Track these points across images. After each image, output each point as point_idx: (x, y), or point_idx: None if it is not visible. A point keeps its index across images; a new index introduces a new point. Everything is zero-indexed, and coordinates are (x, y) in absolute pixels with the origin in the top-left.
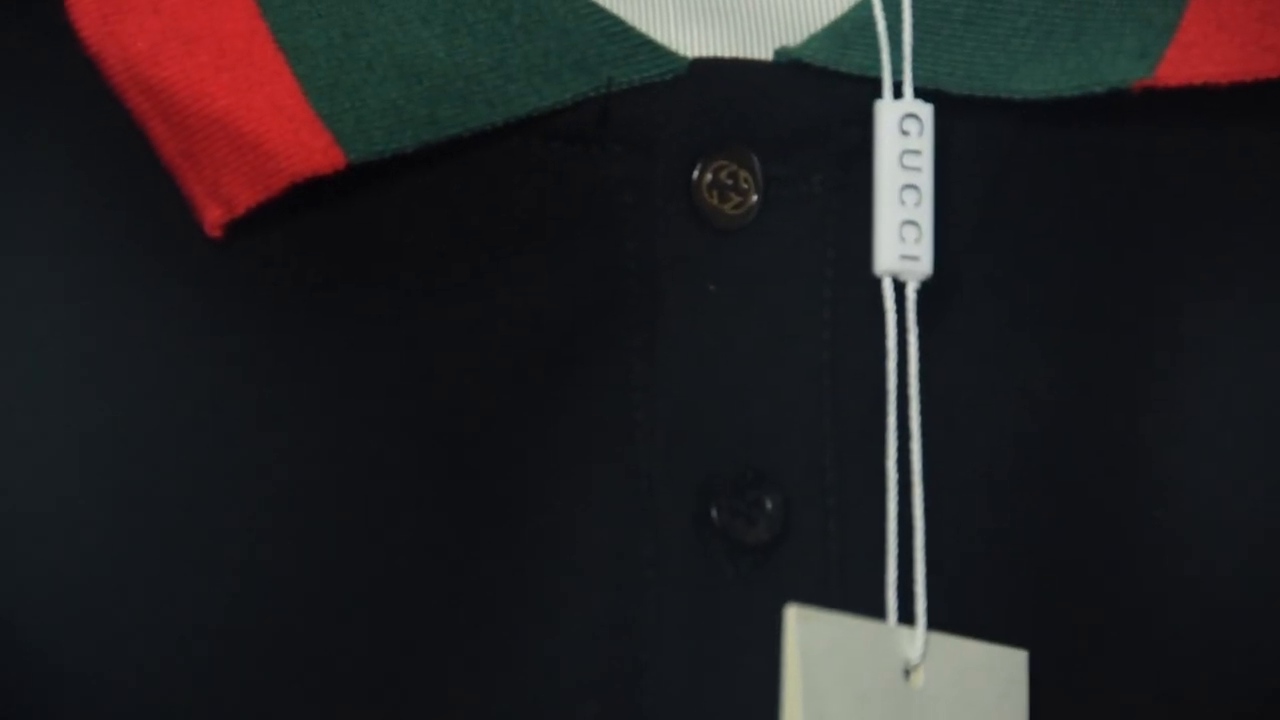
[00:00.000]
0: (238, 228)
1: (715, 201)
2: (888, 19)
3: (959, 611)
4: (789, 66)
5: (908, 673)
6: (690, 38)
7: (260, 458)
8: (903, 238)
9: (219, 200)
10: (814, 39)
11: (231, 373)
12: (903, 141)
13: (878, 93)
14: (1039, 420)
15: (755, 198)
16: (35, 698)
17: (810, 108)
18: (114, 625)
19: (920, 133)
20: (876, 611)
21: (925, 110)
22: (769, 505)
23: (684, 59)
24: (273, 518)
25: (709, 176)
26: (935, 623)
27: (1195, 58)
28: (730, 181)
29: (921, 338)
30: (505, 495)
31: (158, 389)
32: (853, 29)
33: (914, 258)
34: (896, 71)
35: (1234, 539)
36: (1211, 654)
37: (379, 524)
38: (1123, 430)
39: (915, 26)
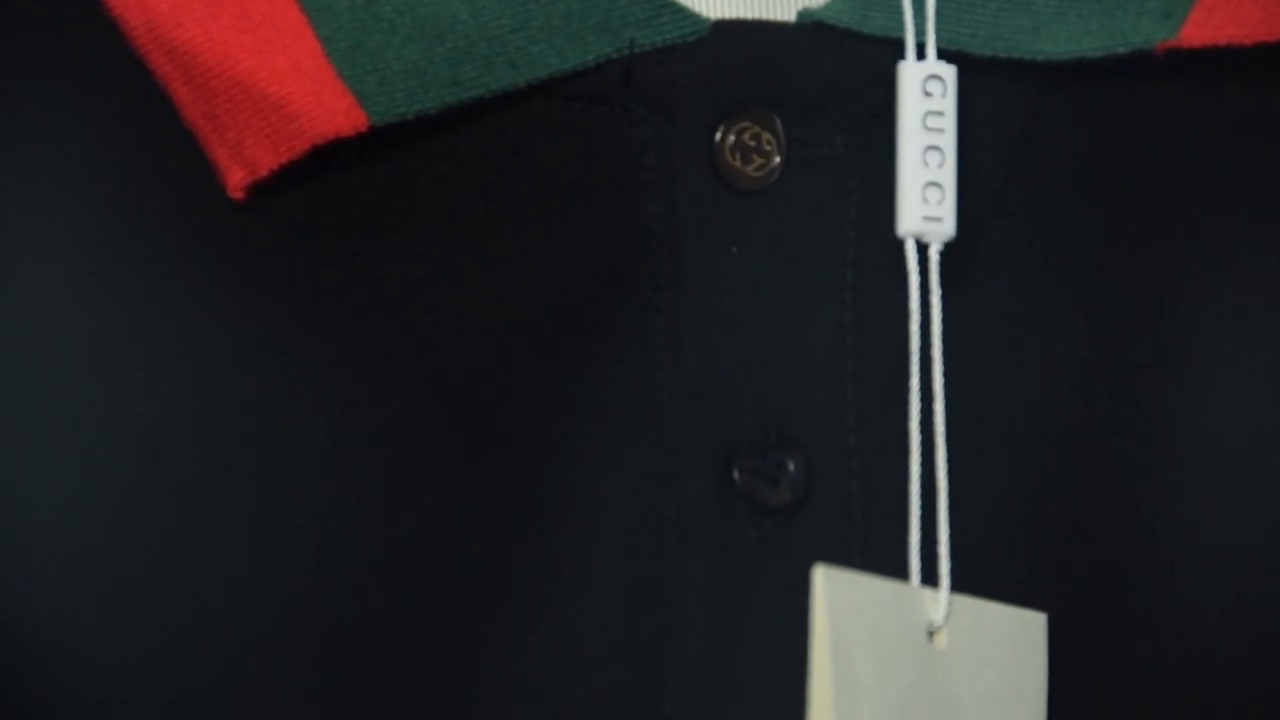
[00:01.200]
0: (261, 190)
1: (738, 163)
2: None
3: (981, 573)
4: (812, 28)
5: (931, 634)
6: (712, 0)
7: (282, 421)
8: (925, 199)
9: (242, 162)
10: (837, 0)
11: (252, 336)
12: (926, 103)
13: (900, 54)
14: (1062, 382)
15: (778, 159)
16: (62, 680)
17: (833, 69)
18: (134, 591)
19: (943, 94)
20: (899, 573)
21: (948, 71)
22: (791, 467)
23: (706, 20)
24: (295, 483)
25: (731, 138)
26: (958, 584)
27: (1219, 19)
28: (753, 143)
29: (944, 299)
30: (527, 457)
31: (178, 354)
32: None
33: (937, 219)
34: (919, 33)
35: (1260, 501)
36: (1236, 615)
37: (402, 486)
38: (1147, 392)
39: None
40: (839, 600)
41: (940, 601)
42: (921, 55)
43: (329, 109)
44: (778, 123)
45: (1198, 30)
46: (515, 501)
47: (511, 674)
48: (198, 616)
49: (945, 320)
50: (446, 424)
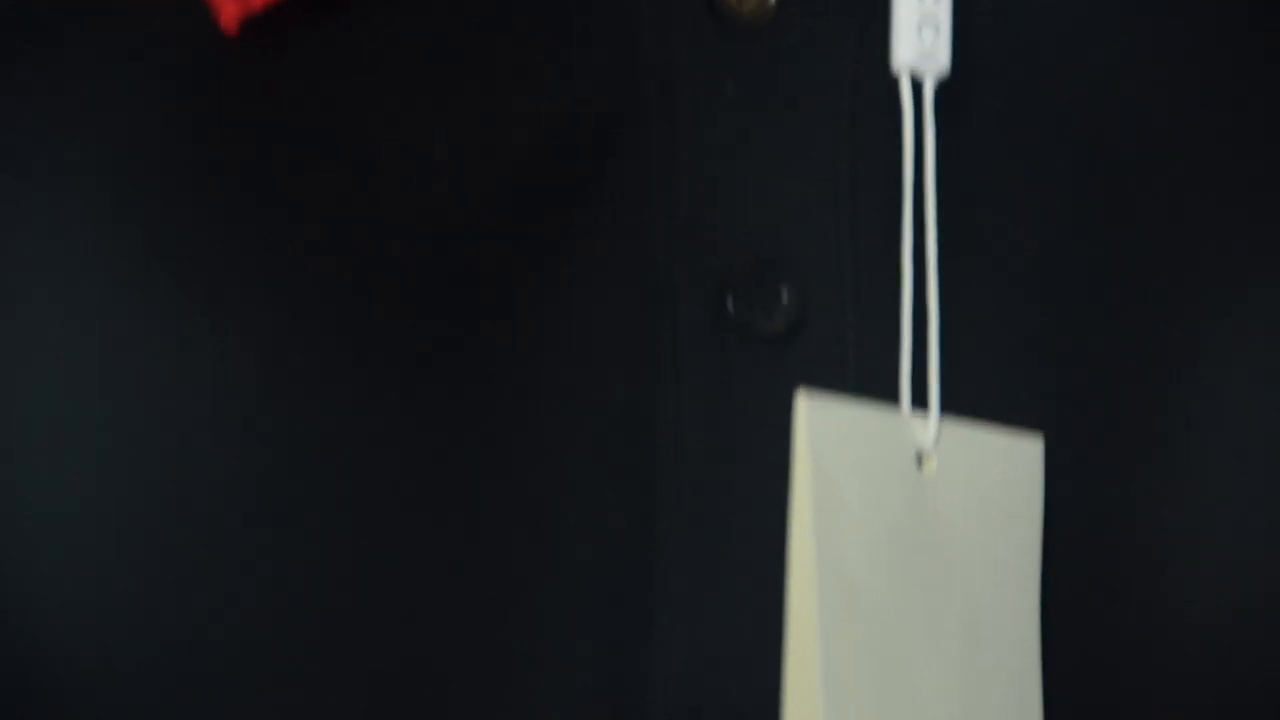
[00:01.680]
0: (253, 27)
1: (733, 0)
2: None
3: (974, 401)
4: None
5: (920, 460)
6: None
7: (266, 255)
8: (921, 35)
9: None
10: None
11: (233, 179)
12: None
13: None
14: (1057, 214)
15: None
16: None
17: None
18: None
19: None
20: (893, 402)
21: None
22: (785, 296)
23: None
24: (271, 337)
25: None
26: (950, 411)
27: None
28: None
29: (939, 135)
30: (521, 290)
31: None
32: None
33: (932, 55)
34: None
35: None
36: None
37: (395, 314)
38: (1140, 221)
39: None
40: (823, 427)
41: (930, 426)
42: None
43: None
44: None
45: None
46: (508, 330)
47: (505, 506)
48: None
49: (939, 155)
50: (439, 254)
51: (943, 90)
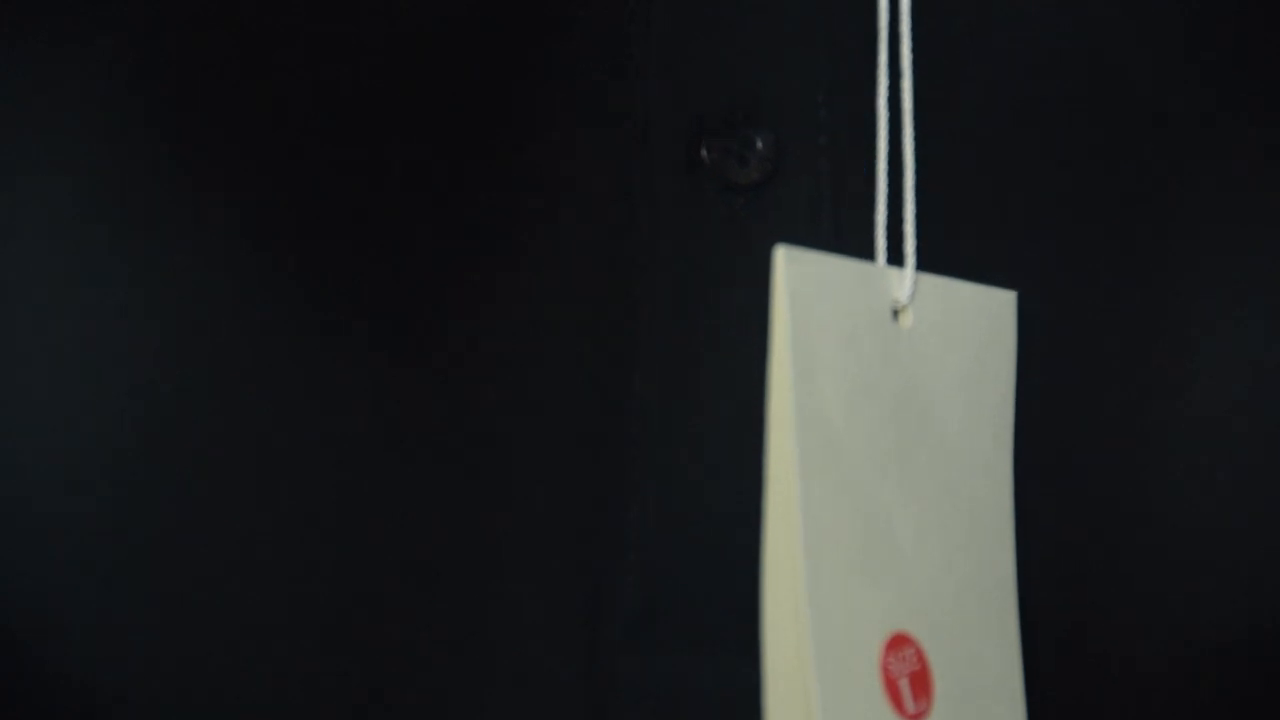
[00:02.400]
0: None
1: None
2: None
3: (950, 253)
4: None
5: (896, 313)
6: None
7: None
8: None
9: None
10: None
11: None
12: None
13: None
14: (1036, 60)
15: None
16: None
17: None
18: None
19: None
20: (867, 253)
21: None
22: (760, 145)
23: None
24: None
25: None
26: (926, 266)
27: None
28: None
29: None
30: (494, 131)
31: None
32: None
33: None
34: None
35: None
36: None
37: (376, 148)
38: (1125, 76)
39: None
40: (800, 280)
41: (906, 279)
42: None
43: None
44: None
45: None
46: (481, 173)
47: (478, 343)
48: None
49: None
50: (414, 92)
51: None
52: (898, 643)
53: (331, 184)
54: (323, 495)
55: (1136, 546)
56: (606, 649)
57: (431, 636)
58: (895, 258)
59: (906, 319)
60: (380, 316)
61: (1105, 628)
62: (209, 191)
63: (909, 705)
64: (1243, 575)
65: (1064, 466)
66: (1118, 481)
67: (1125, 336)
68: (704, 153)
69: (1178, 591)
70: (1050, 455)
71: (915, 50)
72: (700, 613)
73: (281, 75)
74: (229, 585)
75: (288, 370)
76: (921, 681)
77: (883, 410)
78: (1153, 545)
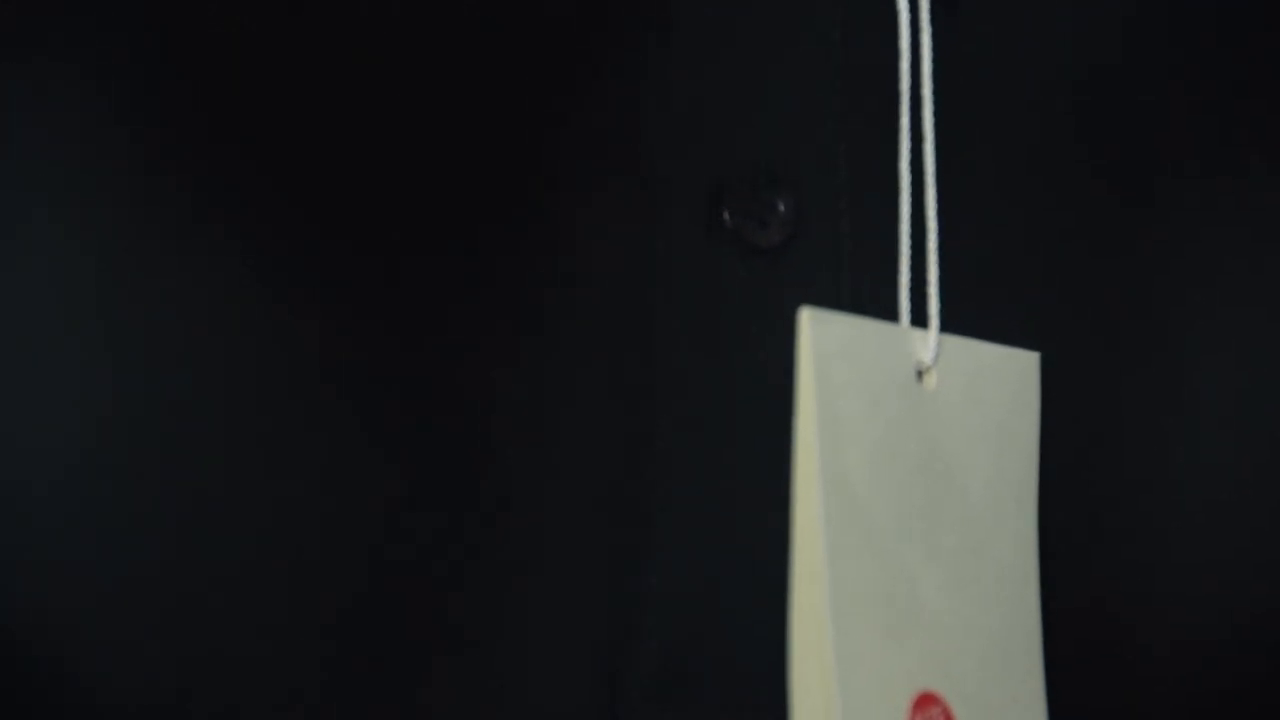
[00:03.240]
0: None
1: None
2: None
3: (972, 315)
4: None
5: (920, 374)
6: None
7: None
8: None
9: None
10: None
11: None
12: None
13: None
14: (1056, 120)
15: None
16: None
17: None
18: None
19: None
20: (889, 315)
21: None
22: (781, 207)
23: None
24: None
25: None
26: (948, 327)
27: None
28: None
29: (936, 37)
30: (512, 195)
31: None
32: None
33: None
34: None
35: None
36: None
37: (389, 194)
38: (1137, 128)
39: None
40: (825, 341)
41: (929, 341)
42: None
43: None
44: None
45: None
46: (501, 237)
47: (497, 406)
48: None
49: (935, 58)
50: (432, 151)
51: None
52: (925, 701)
53: (350, 250)
54: (346, 554)
55: (1159, 618)
56: (630, 710)
57: (452, 696)
58: (918, 319)
59: (931, 381)
60: (400, 380)
61: (1128, 683)
62: (228, 255)
63: None
64: (1269, 639)
65: (1087, 528)
66: (1140, 541)
67: (1146, 396)
68: (725, 215)
69: (1198, 656)
70: (1073, 515)
71: (936, 107)
72: (726, 674)
73: (302, 137)
74: (259, 647)
75: (309, 432)
76: None
77: (907, 471)
78: (1175, 612)
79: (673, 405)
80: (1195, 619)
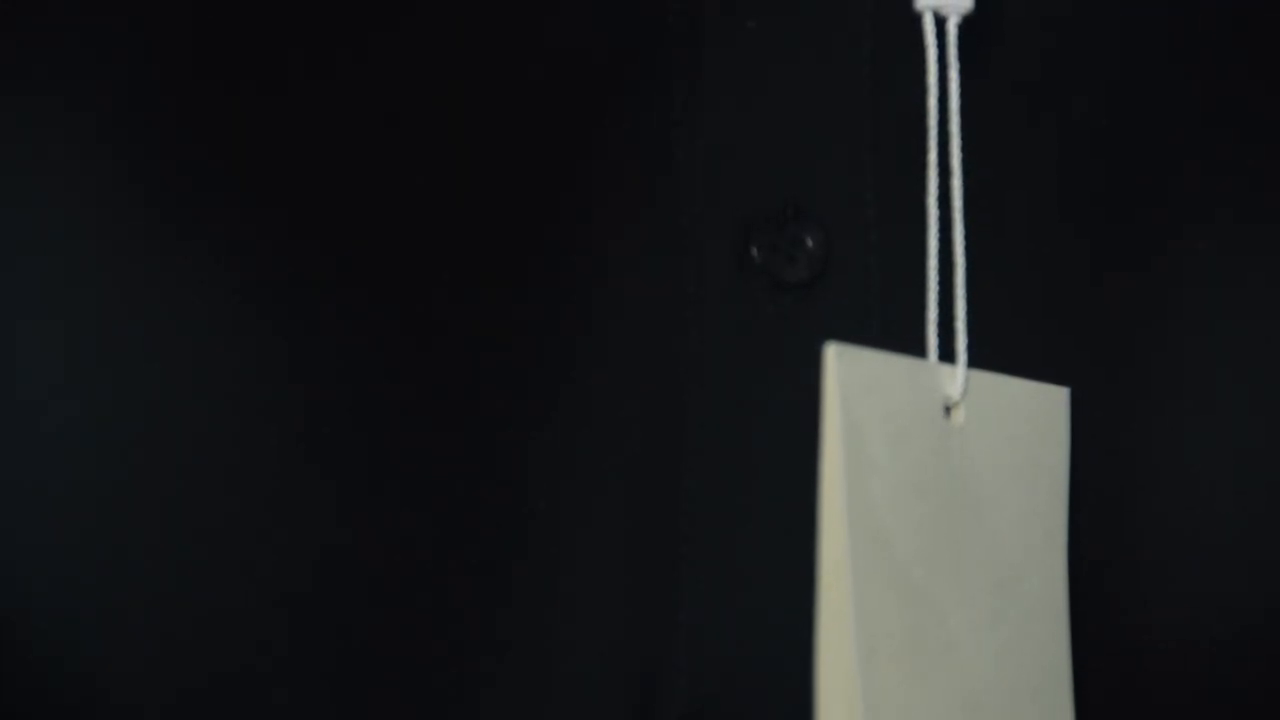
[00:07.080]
0: None
1: None
2: None
3: (1000, 349)
4: None
5: (948, 410)
6: None
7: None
8: None
9: None
10: None
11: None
12: None
13: None
14: (1081, 158)
15: None
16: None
17: None
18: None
19: None
20: (917, 351)
21: None
22: (810, 243)
23: None
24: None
25: None
26: (976, 361)
27: None
28: None
29: (963, 74)
30: (544, 233)
31: None
32: None
33: None
34: None
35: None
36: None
37: (414, 244)
38: (1165, 163)
39: None
40: (852, 378)
41: (958, 376)
42: None
43: None
44: None
45: None
46: (532, 277)
47: (529, 444)
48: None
49: (963, 94)
50: (457, 194)
51: (966, 28)
52: None
53: (380, 284)
54: (371, 589)
55: (1191, 653)
56: None
57: None
58: (946, 354)
59: (958, 416)
60: (429, 417)
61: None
62: (252, 302)
63: None
64: None
65: (1119, 566)
66: (1171, 578)
67: (1173, 431)
68: (753, 251)
69: (1227, 689)
70: (1100, 551)
71: (963, 143)
72: (756, 708)
73: (335, 174)
74: (271, 685)
75: (327, 470)
76: None
77: (935, 507)
78: (1205, 651)
79: (701, 440)
80: (1226, 655)
